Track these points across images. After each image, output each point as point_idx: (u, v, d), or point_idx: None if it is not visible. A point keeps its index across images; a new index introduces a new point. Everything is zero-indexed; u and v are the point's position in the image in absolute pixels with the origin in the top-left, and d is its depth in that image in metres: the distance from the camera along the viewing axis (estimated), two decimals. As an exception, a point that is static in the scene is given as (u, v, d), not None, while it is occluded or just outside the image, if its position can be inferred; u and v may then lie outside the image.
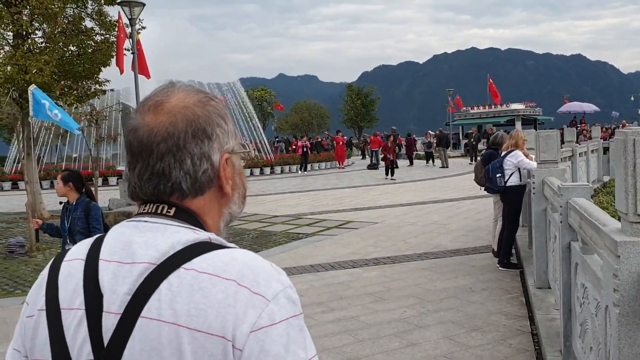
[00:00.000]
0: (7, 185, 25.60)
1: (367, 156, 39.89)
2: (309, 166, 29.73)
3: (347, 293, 6.33)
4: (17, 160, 30.72)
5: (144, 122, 1.01)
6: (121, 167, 21.52)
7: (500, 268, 7.22)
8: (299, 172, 27.83)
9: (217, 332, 0.89)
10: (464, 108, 53.99)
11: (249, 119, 35.36)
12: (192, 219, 1.02)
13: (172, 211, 1.01)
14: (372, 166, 28.67)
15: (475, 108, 53.97)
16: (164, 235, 0.98)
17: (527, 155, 7.40)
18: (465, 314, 5.53)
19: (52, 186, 24.28)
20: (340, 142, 31.19)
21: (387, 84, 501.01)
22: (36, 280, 1.06)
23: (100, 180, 20.82)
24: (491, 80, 43.23)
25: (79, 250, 1.04)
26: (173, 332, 0.90)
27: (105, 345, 0.93)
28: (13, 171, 28.75)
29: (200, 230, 1.01)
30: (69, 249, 1.06)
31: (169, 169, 1.00)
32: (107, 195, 15.47)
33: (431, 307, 5.75)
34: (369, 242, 9.28)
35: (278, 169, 28.92)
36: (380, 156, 21.97)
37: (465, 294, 6.21)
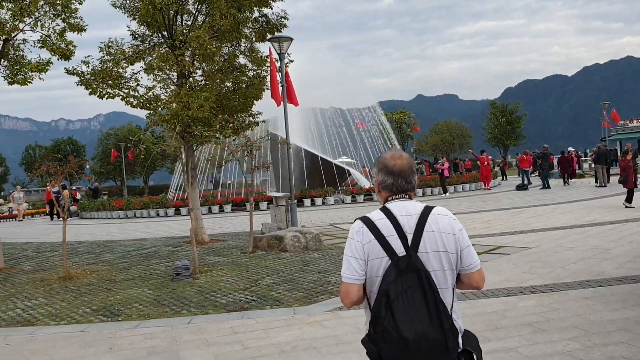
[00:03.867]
0: (170, 211, 27.83)
1: (506, 177, 38.42)
2: (452, 188, 29.09)
3: (503, 323, 6.08)
4: (178, 188, 33.50)
5: (396, 163, 2.60)
6: (271, 193, 22.56)
7: (677, 299, 6.52)
8: (444, 194, 27.31)
9: (451, 232, 2.51)
10: (622, 122, 49.72)
11: (388, 142, 35.50)
12: (411, 198, 2.63)
13: (409, 196, 2.63)
14: (522, 187, 27.35)
15: (635, 121, 49.50)
16: (415, 204, 2.57)
17: None
18: (639, 349, 5.07)
19: (209, 212, 26.17)
20: (485, 162, 30.18)
21: (532, 99, 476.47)
22: (355, 234, 2.54)
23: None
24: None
25: (377, 215, 2.54)
26: (439, 234, 2.48)
27: (409, 244, 2.43)
28: (175, 198, 31.21)
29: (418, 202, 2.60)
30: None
31: (412, 180, 2.61)
32: (259, 220, 16.32)
33: (598, 340, 5.34)
34: (523, 268, 8.85)
35: (419, 191, 28.60)
36: (618, 178, 17.27)
37: (637, 326, 5.68)
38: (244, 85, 13.93)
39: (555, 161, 32.82)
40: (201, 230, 14.21)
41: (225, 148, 13.05)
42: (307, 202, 26.45)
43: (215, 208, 27.04)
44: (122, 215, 28.82)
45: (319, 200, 26.76)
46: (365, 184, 30.21)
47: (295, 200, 15.39)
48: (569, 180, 29.43)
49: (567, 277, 8.03)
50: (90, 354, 6.04)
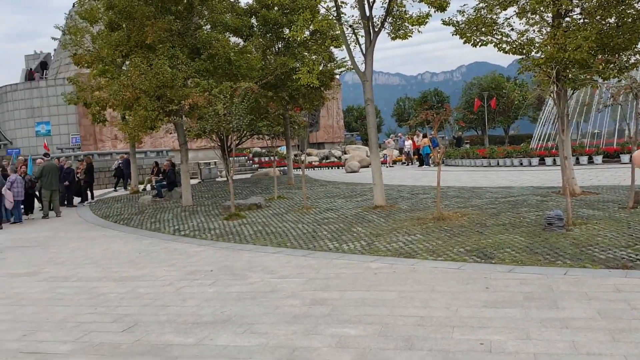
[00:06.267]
0: (534, 161, 27.04)
1: None
2: None
3: None
4: (541, 138, 32.26)
5: None
6: None
7: None
8: None
9: None
10: None
11: None
12: None
13: None
14: None
15: None
16: None
17: None
18: None
19: (577, 162, 24.51)
20: None
21: None
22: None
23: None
24: None
25: None
26: None
27: None
28: (538, 148, 30.15)
29: None
30: None
31: None
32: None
33: None
34: None
35: None
36: None
37: None
38: (629, 20, 12.28)
39: None
40: (572, 181, 13.38)
41: (598, 93, 11.85)
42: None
43: (584, 159, 25.20)
44: (484, 164, 29.25)
45: None
46: None
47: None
48: None
49: None
50: (469, 290, 6.36)
